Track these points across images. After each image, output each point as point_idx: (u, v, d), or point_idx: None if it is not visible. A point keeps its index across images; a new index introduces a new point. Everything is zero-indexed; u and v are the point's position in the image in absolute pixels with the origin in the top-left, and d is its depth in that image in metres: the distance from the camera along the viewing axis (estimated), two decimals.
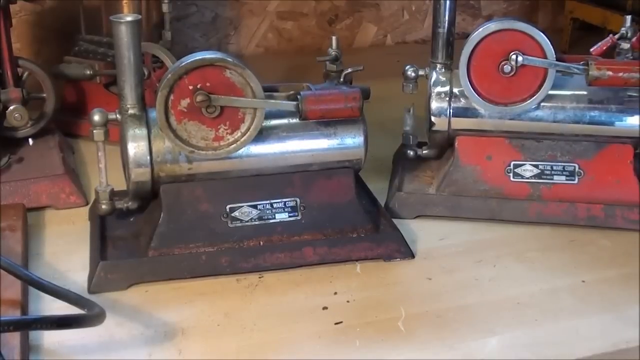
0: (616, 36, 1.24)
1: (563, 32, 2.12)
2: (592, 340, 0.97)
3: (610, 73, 1.16)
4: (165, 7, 1.57)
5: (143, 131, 1.07)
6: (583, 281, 1.09)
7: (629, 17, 1.24)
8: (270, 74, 1.75)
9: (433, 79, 1.25)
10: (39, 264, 1.11)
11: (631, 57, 1.23)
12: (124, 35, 1.05)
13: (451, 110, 1.24)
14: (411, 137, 1.30)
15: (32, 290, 0.99)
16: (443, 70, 1.26)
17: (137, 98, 1.08)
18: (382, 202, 1.23)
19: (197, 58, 1.05)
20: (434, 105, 1.24)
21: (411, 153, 1.30)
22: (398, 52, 2.12)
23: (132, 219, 1.15)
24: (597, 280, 1.09)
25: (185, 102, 1.05)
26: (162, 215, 1.08)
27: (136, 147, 1.07)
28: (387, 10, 2.17)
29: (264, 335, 0.97)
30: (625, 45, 1.24)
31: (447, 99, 1.24)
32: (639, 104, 1.21)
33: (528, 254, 1.15)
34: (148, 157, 1.07)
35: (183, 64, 1.04)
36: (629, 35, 1.24)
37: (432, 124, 1.25)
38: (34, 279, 0.96)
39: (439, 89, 1.25)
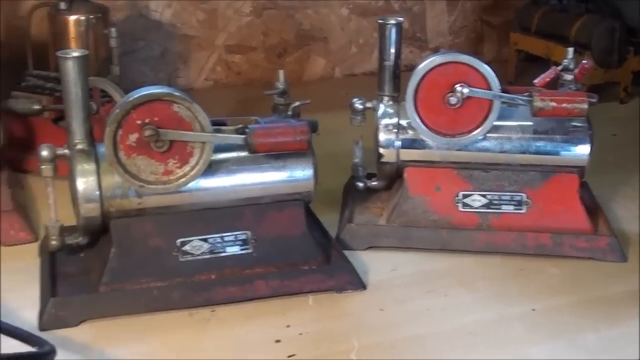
0: (559, 68, 1.27)
1: (509, 64, 2.16)
2: None
3: (554, 104, 1.19)
4: (113, 42, 1.57)
5: (92, 166, 1.07)
6: (533, 309, 1.10)
7: (571, 50, 1.27)
8: (219, 107, 1.75)
9: (380, 111, 1.27)
10: None
11: (574, 88, 1.25)
12: (71, 71, 1.05)
13: (399, 142, 1.25)
14: (360, 168, 1.31)
15: None
16: (390, 102, 1.27)
17: (85, 133, 1.07)
18: (333, 234, 1.24)
19: (145, 93, 1.05)
20: (382, 137, 1.26)
21: (361, 185, 1.31)
22: (347, 84, 2.14)
23: (82, 255, 1.14)
24: (546, 307, 1.10)
25: (133, 137, 1.05)
26: (112, 250, 1.07)
27: (85, 182, 1.06)
28: (335, 44, 2.20)
29: None
30: (569, 77, 1.26)
31: (395, 130, 1.25)
32: (583, 133, 1.23)
33: (478, 283, 1.16)
34: (97, 192, 1.06)
35: (130, 99, 1.04)
36: (571, 66, 1.26)
37: (380, 155, 1.26)
38: None
39: (386, 121, 1.26)
